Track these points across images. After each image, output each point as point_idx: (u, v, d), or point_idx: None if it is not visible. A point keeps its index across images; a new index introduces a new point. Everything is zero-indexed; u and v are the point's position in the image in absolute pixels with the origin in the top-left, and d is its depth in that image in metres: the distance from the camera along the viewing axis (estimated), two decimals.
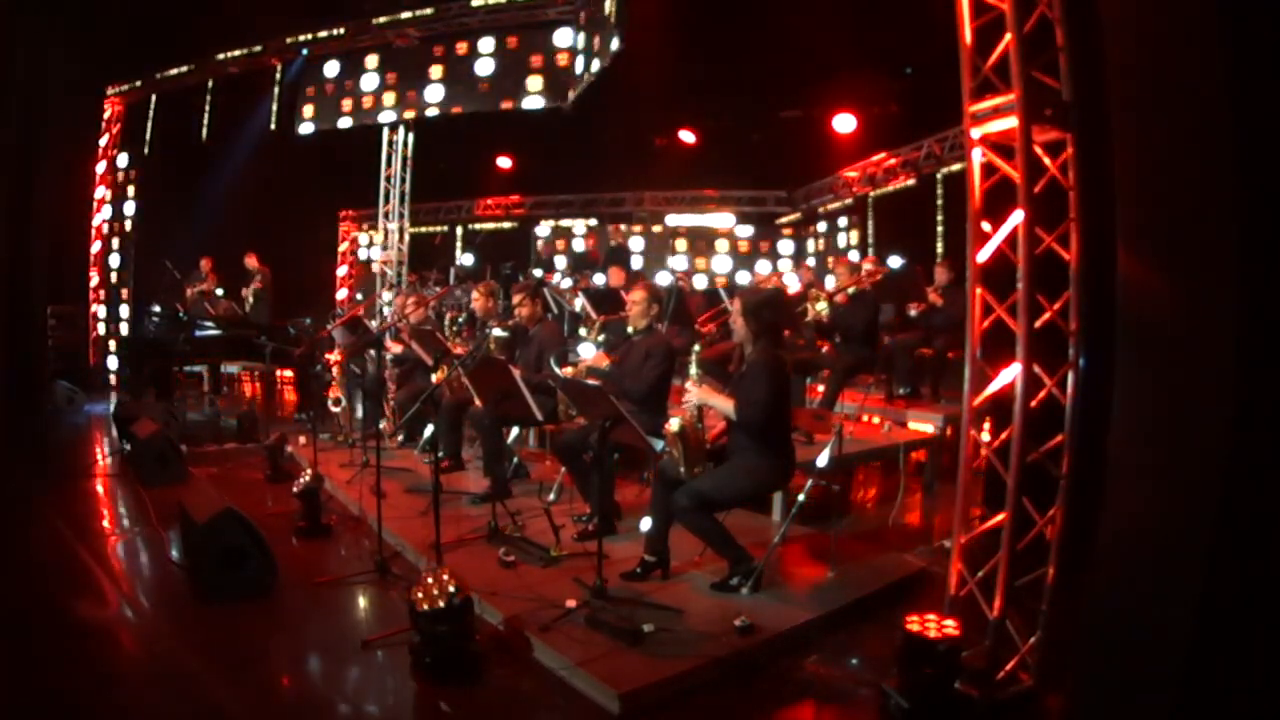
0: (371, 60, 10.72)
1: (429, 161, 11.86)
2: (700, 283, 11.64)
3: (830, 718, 2.96)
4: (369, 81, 10.72)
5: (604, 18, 8.47)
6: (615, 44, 8.21)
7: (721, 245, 12.52)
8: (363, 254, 13.99)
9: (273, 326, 8.58)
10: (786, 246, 12.19)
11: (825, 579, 3.90)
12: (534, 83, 9.95)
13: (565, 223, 13.41)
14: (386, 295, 10.70)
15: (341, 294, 13.73)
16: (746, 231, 12.46)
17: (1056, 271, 2.84)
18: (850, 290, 5.85)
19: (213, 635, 3.40)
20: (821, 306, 5.79)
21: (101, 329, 11.02)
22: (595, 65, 8.85)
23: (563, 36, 9.75)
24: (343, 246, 14.31)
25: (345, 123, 10.83)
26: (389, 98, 10.68)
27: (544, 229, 13.47)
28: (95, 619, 3.55)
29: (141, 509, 5.10)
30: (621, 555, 3.99)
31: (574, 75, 9.57)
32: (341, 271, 14.13)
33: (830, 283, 9.39)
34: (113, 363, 10.48)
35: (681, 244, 12.66)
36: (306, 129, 10.94)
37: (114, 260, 11.11)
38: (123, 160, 11.26)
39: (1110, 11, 2.46)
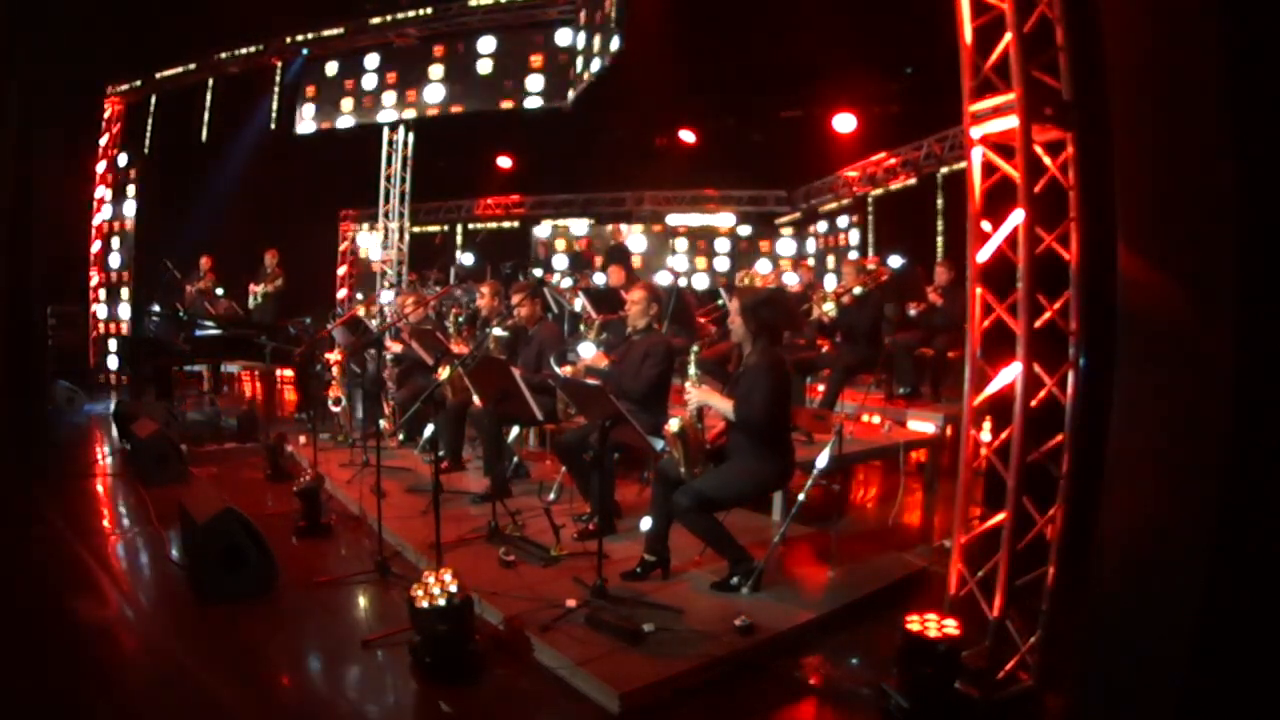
0: (371, 60, 10.74)
1: (429, 161, 11.85)
2: (700, 282, 11.67)
3: (830, 717, 2.96)
4: (369, 81, 10.74)
5: (605, 17, 8.47)
6: (616, 44, 8.21)
7: (721, 245, 12.52)
8: (362, 252, 13.99)
9: (273, 326, 8.58)
10: (787, 246, 12.19)
11: (825, 579, 3.91)
12: (534, 82, 9.97)
13: (563, 221, 13.37)
14: (387, 295, 10.71)
15: (341, 294, 13.73)
16: (746, 231, 12.46)
17: (1056, 271, 2.84)
18: (856, 290, 5.84)
19: (213, 635, 3.40)
20: (828, 307, 5.79)
21: (102, 329, 11.02)
22: (595, 65, 8.85)
23: (563, 36, 9.76)
24: (343, 246, 14.31)
25: (346, 122, 10.86)
26: (389, 97, 10.70)
27: (544, 229, 13.41)
28: (95, 619, 3.55)
29: (141, 509, 5.10)
30: (621, 555, 3.99)
31: (574, 75, 9.58)
32: (341, 271, 14.12)
33: (831, 282, 9.42)
34: (113, 362, 10.49)
35: (682, 243, 12.67)
36: (306, 128, 10.96)
37: (114, 260, 11.11)
38: (123, 160, 11.26)
39: (1110, 11, 2.46)
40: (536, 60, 9.96)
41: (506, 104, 10.08)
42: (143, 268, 10.82)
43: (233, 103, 11.53)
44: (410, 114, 10.65)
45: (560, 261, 12.84)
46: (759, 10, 8.43)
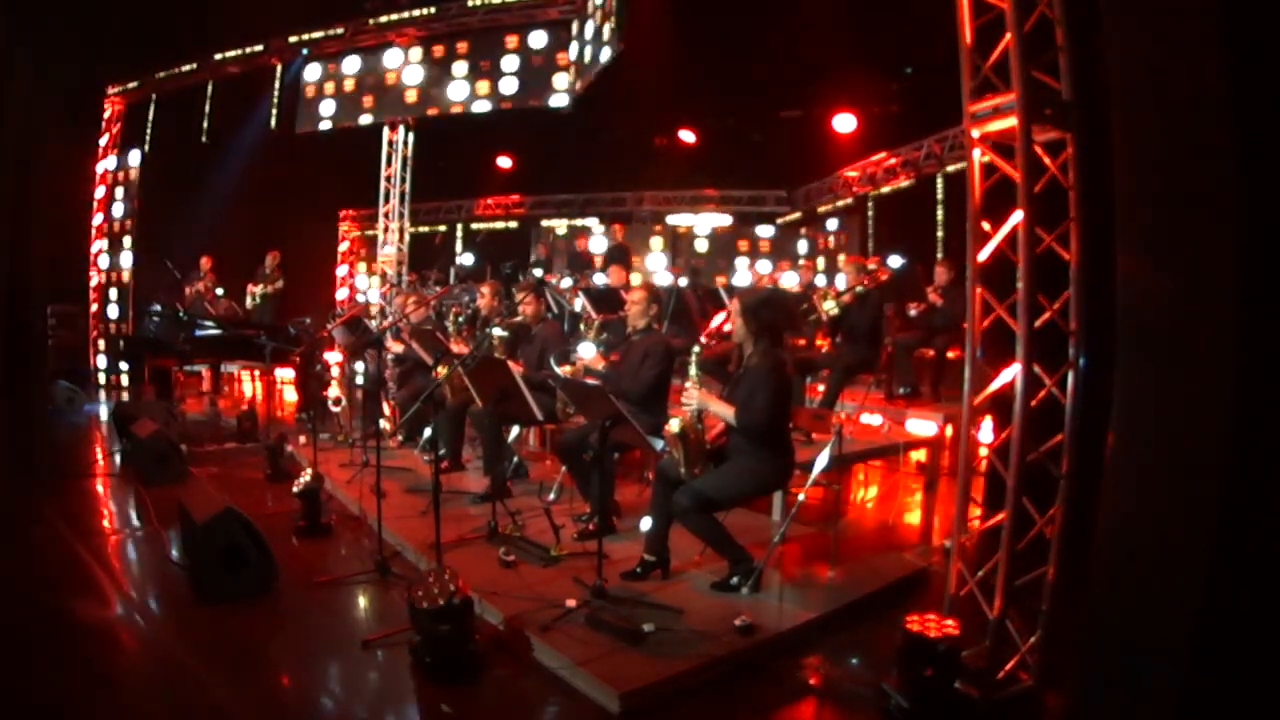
0: (375, 59, 10.76)
1: (429, 161, 11.85)
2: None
3: (830, 717, 2.96)
4: (375, 80, 10.76)
5: (605, 18, 8.47)
6: (615, 44, 8.22)
7: (720, 244, 12.53)
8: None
9: (273, 326, 8.58)
10: (786, 246, 12.19)
11: (825, 579, 3.90)
12: (533, 82, 9.98)
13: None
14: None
15: (342, 294, 13.73)
16: (746, 231, 12.47)
17: (1056, 271, 2.85)
18: (858, 290, 5.84)
19: (213, 635, 3.40)
20: (830, 306, 5.79)
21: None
22: (595, 65, 8.86)
23: (564, 36, 9.77)
24: (343, 246, 14.31)
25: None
26: (390, 98, 10.71)
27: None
28: (95, 619, 3.55)
29: (141, 509, 5.10)
30: (621, 555, 3.99)
31: (574, 75, 9.58)
32: (341, 271, 14.12)
33: (828, 282, 9.42)
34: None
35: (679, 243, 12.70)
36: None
37: (114, 260, 11.09)
38: (123, 160, 11.25)
39: (1110, 11, 2.46)
40: (537, 60, 9.99)
41: (505, 104, 10.10)
42: (142, 268, 10.81)
43: (233, 103, 11.53)
44: (412, 115, 10.64)
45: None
46: (759, 10, 8.44)
